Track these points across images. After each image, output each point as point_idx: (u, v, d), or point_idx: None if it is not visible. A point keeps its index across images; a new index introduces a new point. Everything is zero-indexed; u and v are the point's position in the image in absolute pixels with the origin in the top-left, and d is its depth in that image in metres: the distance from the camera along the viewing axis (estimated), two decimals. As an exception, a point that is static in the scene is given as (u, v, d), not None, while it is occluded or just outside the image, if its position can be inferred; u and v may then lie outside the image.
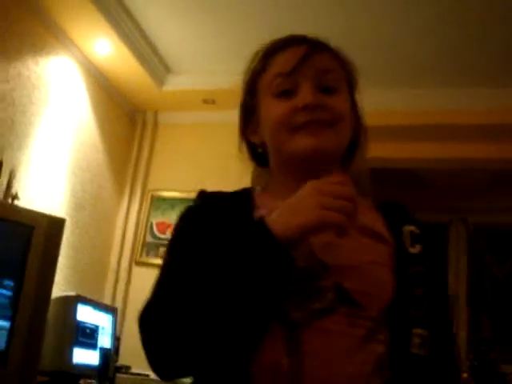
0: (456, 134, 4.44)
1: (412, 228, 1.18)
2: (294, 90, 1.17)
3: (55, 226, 2.63)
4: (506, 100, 4.22)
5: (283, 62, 1.19)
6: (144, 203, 4.69)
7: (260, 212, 1.13)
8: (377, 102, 4.41)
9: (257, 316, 0.99)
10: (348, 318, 1.04)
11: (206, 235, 1.11)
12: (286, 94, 1.18)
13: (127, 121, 4.78)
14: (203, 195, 1.26)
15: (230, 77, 4.33)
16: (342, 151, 1.21)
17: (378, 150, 4.42)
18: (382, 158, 4.69)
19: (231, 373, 1.01)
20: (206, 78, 4.46)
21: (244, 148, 1.32)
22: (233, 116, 4.52)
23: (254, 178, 1.33)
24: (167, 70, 4.49)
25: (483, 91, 4.24)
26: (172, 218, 4.56)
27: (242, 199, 1.22)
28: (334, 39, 1.28)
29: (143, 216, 4.65)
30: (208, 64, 4.39)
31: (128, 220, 4.67)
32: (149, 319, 1.07)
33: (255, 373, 1.01)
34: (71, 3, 3.58)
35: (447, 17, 3.62)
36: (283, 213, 1.01)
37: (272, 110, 1.18)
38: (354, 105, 1.25)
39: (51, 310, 3.05)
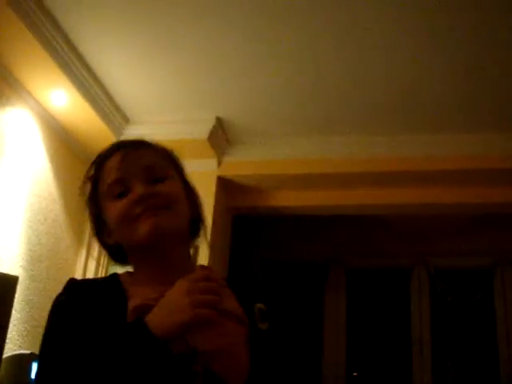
0: (418, 179, 4.51)
1: (261, 306, 1.31)
2: (128, 190, 1.29)
3: (8, 283, 2.56)
4: (466, 146, 4.31)
5: (109, 170, 1.33)
6: (103, 254, 4.61)
7: (134, 301, 1.20)
8: (340, 149, 4.50)
9: None
10: None
11: (82, 331, 1.16)
12: (122, 194, 1.29)
13: (84, 171, 4.70)
14: (73, 285, 1.30)
15: (188, 127, 4.39)
16: (185, 229, 1.33)
17: (343, 197, 4.47)
18: (347, 204, 4.76)
19: None
20: (165, 127, 4.44)
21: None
22: (191, 165, 4.48)
23: None
24: (125, 120, 4.48)
25: (445, 137, 4.32)
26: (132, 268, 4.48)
27: (112, 288, 1.28)
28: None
29: (102, 268, 4.57)
30: (166, 114, 4.40)
31: (86, 271, 4.58)
32: None
33: None
34: (26, 54, 3.56)
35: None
36: (159, 312, 1.13)
37: (112, 209, 1.29)
38: (186, 185, 1.41)
39: (4, 369, 2.97)
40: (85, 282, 1.40)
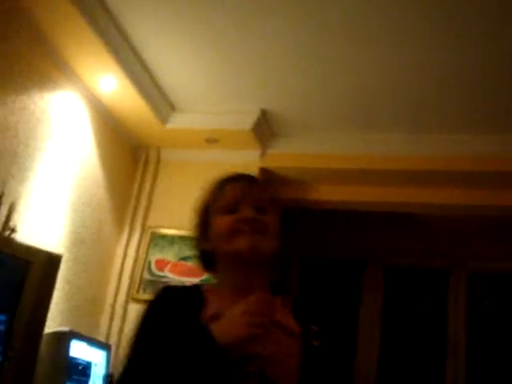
0: (458, 180, 4.47)
1: (315, 328, 1.55)
2: (237, 208, 1.56)
3: (52, 261, 2.62)
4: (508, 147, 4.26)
5: (228, 191, 1.62)
6: (143, 240, 4.67)
7: (208, 311, 1.47)
8: (380, 147, 4.48)
9: None
10: None
11: (164, 331, 1.44)
12: (230, 211, 1.57)
13: (130, 157, 4.80)
14: (165, 291, 1.60)
15: (233, 117, 4.42)
16: (271, 257, 1.57)
17: (383, 195, 4.48)
18: (388, 202, 4.74)
19: None
20: (210, 117, 4.49)
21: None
22: (234, 156, 4.64)
23: None
24: (172, 108, 4.52)
25: (485, 137, 4.27)
26: (171, 255, 4.54)
27: (194, 296, 1.55)
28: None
29: (142, 252, 4.63)
30: (213, 103, 4.42)
31: (126, 256, 4.65)
32: None
33: None
34: (79, 40, 3.62)
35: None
36: (222, 324, 1.38)
37: (219, 222, 1.57)
38: (280, 224, 1.63)
39: (44, 346, 3.04)
40: (175, 288, 1.68)
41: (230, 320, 1.39)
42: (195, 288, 1.60)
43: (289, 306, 1.59)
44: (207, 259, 1.63)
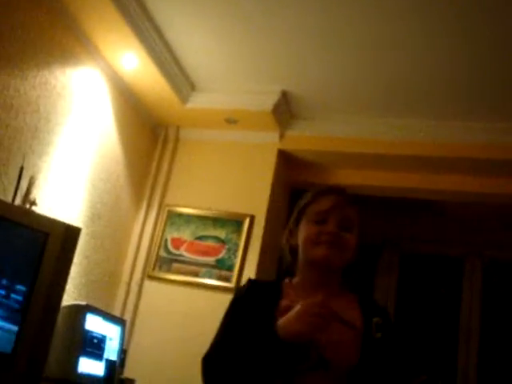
0: (473, 167, 4.45)
1: (377, 319, 1.81)
2: (324, 221, 1.85)
3: (71, 234, 2.65)
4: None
5: (322, 203, 1.89)
6: (160, 218, 4.70)
7: (284, 301, 1.77)
8: (398, 132, 4.47)
9: (264, 372, 1.67)
10: (323, 375, 1.68)
11: (247, 313, 1.79)
12: (318, 222, 1.86)
13: (149, 135, 4.82)
14: (251, 284, 1.94)
15: (253, 98, 4.42)
16: (343, 266, 1.88)
17: (401, 180, 4.47)
18: (405, 187, 4.73)
19: None
20: (230, 97, 4.49)
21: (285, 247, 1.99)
22: (253, 137, 4.64)
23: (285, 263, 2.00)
24: (192, 87, 4.53)
25: (500, 125, 4.25)
26: (187, 234, 4.57)
27: (274, 288, 1.89)
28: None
29: (158, 230, 4.67)
30: (233, 84, 4.42)
31: (143, 233, 4.68)
32: (209, 362, 1.76)
33: None
34: (102, 16, 3.63)
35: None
36: (287, 319, 1.66)
37: (307, 228, 1.88)
38: (357, 239, 1.91)
39: (60, 318, 3.07)
40: (259, 282, 2.08)
41: (293, 316, 1.65)
42: (277, 282, 1.96)
43: (356, 301, 1.90)
44: (292, 251, 1.95)
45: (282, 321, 1.66)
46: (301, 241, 1.89)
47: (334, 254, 1.82)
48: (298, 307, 1.66)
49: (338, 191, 1.96)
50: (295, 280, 1.93)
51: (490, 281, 5.74)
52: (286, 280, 1.95)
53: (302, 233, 1.89)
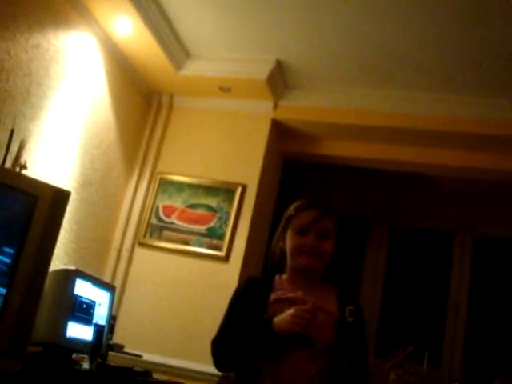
0: (474, 143, 4.45)
1: (351, 307, 2.23)
2: (305, 233, 2.22)
3: (60, 197, 2.63)
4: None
5: (305, 217, 2.24)
6: (152, 185, 4.69)
7: (274, 295, 2.21)
8: (392, 104, 4.45)
9: (259, 352, 2.12)
10: (306, 351, 2.10)
11: (245, 304, 2.20)
12: (302, 233, 2.22)
13: (142, 102, 4.78)
14: (249, 279, 2.35)
15: (247, 66, 4.39)
16: (323, 268, 2.27)
17: (394, 152, 4.46)
18: (397, 160, 4.73)
19: (250, 371, 2.13)
20: (225, 65, 4.46)
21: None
22: (247, 105, 4.64)
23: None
24: (186, 54, 4.49)
25: (495, 101, 4.24)
26: (178, 202, 4.57)
27: (267, 283, 2.27)
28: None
29: (150, 198, 4.66)
30: (227, 52, 4.39)
31: (135, 200, 4.67)
32: (216, 345, 2.17)
33: (263, 372, 2.10)
34: (95, -21, 3.59)
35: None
36: (280, 319, 2.07)
37: (292, 240, 2.25)
38: (335, 242, 2.29)
39: (49, 282, 3.07)
40: (255, 278, 2.42)
41: (284, 317, 2.06)
42: (269, 278, 2.30)
43: (334, 292, 2.29)
44: (282, 252, 2.31)
45: (277, 319, 2.07)
46: (288, 248, 2.27)
47: (314, 261, 2.21)
48: (291, 311, 2.06)
49: (317, 206, 2.30)
50: (284, 276, 2.31)
51: (480, 256, 5.76)
52: (277, 276, 2.32)
53: (289, 241, 2.27)
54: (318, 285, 2.29)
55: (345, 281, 2.44)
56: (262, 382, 2.09)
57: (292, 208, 2.33)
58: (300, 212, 2.29)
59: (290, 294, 2.21)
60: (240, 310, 2.21)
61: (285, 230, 2.32)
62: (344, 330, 2.17)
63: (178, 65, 4.48)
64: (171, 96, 4.86)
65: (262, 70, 4.33)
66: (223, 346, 2.17)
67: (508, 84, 4.12)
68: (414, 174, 5.05)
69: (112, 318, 3.84)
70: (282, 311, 2.13)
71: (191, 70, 4.53)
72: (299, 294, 2.18)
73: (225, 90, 4.60)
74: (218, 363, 2.19)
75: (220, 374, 3.34)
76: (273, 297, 2.21)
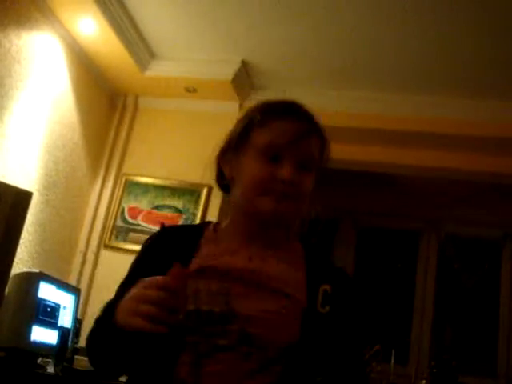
0: (438, 142, 4.48)
1: (326, 287, 1.36)
2: (279, 157, 1.35)
3: (22, 199, 2.60)
4: (493, 113, 4.26)
5: (280, 132, 1.36)
6: (117, 187, 4.65)
7: (199, 258, 1.35)
8: (358, 105, 4.47)
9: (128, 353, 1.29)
10: (245, 354, 1.25)
11: (151, 267, 1.28)
12: (272, 158, 1.35)
13: (107, 103, 4.74)
14: (160, 232, 1.47)
15: (213, 67, 4.38)
16: (297, 220, 1.46)
17: (359, 153, 4.49)
18: (363, 161, 4.75)
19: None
20: (190, 66, 4.44)
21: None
22: (213, 106, 4.66)
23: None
24: (151, 55, 4.46)
25: (471, 102, 4.28)
26: (144, 203, 4.53)
27: (193, 235, 1.43)
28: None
29: (115, 199, 4.62)
30: (193, 52, 4.37)
31: (100, 202, 4.63)
32: (88, 334, 1.44)
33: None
34: (58, -22, 3.55)
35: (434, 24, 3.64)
36: (123, 306, 1.19)
37: (254, 166, 1.36)
38: (315, 179, 1.45)
39: (12, 286, 3.03)
40: (172, 229, 1.54)
41: (127, 303, 1.19)
42: (199, 226, 1.51)
43: (303, 259, 1.44)
44: (225, 186, 1.50)
45: (121, 303, 1.21)
46: (242, 179, 1.39)
47: (287, 207, 1.35)
48: (134, 290, 1.18)
49: (298, 113, 1.43)
50: (223, 224, 1.47)
51: (446, 255, 5.82)
52: (211, 226, 1.49)
53: (246, 169, 1.38)
54: (279, 242, 1.43)
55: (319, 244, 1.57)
56: None
57: (256, 111, 1.44)
58: (271, 120, 1.39)
59: (223, 258, 1.34)
60: (141, 276, 1.22)
61: (237, 148, 1.42)
62: (311, 326, 1.29)
63: (143, 65, 4.45)
64: (136, 97, 4.83)
65: (228, 71, 4.33)
66: (94, 338, 1.40)
67: (472, 83, 4.17)
68: (379, 173, 5.08)
69: (77, 322, 3.79)
70: (206, 290, 1.28)
71: (156, 70, 4.50)
72: (239, 257, 1.34)
73: (190, 90, 4.58)
74: (91, 360, 1.42)
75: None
76: (195, 263, 1.33)
